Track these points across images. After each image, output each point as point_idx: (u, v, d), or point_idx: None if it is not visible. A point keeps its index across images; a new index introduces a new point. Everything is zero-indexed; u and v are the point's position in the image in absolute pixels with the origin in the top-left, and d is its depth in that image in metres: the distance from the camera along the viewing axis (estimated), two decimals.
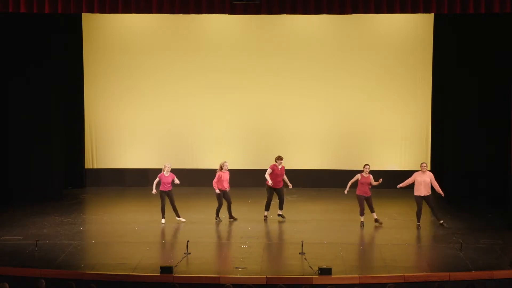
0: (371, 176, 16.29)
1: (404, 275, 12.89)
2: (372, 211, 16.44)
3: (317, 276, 12.82)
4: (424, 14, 18.42)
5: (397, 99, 20.20)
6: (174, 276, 12.78)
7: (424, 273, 13.12)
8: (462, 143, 19.11)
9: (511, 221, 16.27)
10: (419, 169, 16.33)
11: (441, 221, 16.36)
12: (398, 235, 15.72)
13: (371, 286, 12.73)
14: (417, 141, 20.29)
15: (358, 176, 16.28)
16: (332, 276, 12.76)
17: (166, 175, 16.32)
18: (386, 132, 20.28)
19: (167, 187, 16.35)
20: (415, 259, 14.05)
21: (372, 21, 19.60)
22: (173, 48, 20.22)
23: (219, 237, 15.59)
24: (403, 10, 15.40)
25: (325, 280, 12.63)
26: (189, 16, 17.77)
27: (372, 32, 20.00)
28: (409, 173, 20.02)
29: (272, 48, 20.16)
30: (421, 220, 16.49)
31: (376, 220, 16.44)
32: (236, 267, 13.47)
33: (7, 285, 10.24)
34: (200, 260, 14.17)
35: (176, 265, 13.28)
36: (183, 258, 13.91)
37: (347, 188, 16.36)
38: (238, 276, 12.93)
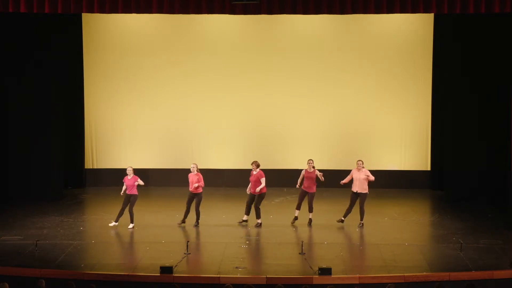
0: (316, 171, 16.25)
1: (404, 275, 12.90)
2: (309, 210, 16.42)
3: (317, 276, 12.82)
4: (424, 14, 18.41)
5: (397, 99, 20.20)
6: (174, 276, 12.79)
7: (424, 273, 13.13)
8: (462, 143, 19.11)
9: (511, 221, 16.27)
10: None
11: (361, 222, 16.30)
12: (398, 235, 15.72)
13: (371, 286, 12.74)
14: (417, 141, 20.29)
15: (303, 171, 16.33)
16: (332, 276, 12.77)
17: (129, 177, 16.13)
18: (386, 132, 20.28)
19: (129, 190, 16.10)
20: (415, 259, 14.05)
21: (372, 21, 19.59)
22: (173, 48, 20.22)
23: (219, 237, 15.58)
24: (403, 10, 15.42)
25: (325, 280, 12.64)
26: (189, 16, 17.80)
27: (372, 32, 19.99)
28: (409, 173, 20.23)
29: (272, 48, 20.15)
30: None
31: (295, 219, 16.42)
32: (236, 267, 13.48)
33: (7, 285, 10.24)
34: (200, 260, 14.19)
35: (176, 265, 13.28)
36: (183, 258, 13.91)
37: (298, 184, 16.46)
38: (238, 276, 12.94)
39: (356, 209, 16.30)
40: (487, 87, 18.73)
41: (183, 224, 16.36)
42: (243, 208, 16.55)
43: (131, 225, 16.19)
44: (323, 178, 16.23)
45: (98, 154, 20.56)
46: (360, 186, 16.21)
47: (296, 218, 16.47)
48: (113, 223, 16.21)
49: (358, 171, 16.26)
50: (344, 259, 14.08)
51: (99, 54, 20.22)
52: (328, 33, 20.10)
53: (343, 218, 16.40)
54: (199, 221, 16.39)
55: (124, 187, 16.18)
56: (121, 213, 16.16)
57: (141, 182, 16.17)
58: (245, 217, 16.50)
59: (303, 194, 16.35)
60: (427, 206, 19.12)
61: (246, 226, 16.34)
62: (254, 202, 16.32)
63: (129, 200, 16.11)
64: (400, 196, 19.60)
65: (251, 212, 16.48)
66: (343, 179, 16.57)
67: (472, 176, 19.01)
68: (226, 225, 16.56)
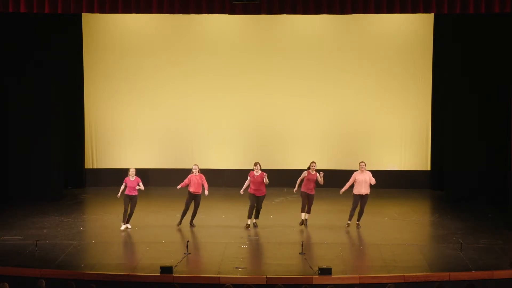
0: (317, 174, 16.19)
1: (404, 275, 12.90)
2: (307, 211, 16.35)
3: (317, 276, 12.82)
4: (424, 14, 18.41)
5: (397, 99, 20.20)
6: (174, 276, 12.79)
7: (424, 273, 13.13)
8: (462, 143, 19.11)
9: (511, 221, 16.27)
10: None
11: (358, 223, 16.24)
12: (398, 235, 15.72)
13: (371, 286, 12.74)
14: (417, 141, 20.29)
15: (305, 173, 16.22)
16: (332, 276, 12.77)
17: (132, 179, 16.13)
18: (386, 132, 20.28)
19: (130, 191, 16.10)
20: (415, 259, 14.05)
21: (372, 21, 19.59)
22: (173, 48, 20.23)
23: (219, 237, 15.58)
24: (403, 10, 15.41)
25: (325, 280, 12.64)
26: (189, 16, 17.79)
27: (372, 32, 20.00)
28: (409, 173, 20.23)
29: (272, 48, 20.15)
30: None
31: (302, 222, 16.34)
32: (236, 267, 13.48)
33: (7, 285, 10.24)
34: (200, 260, 14.18)
35: (176, 265, 13.28)
36: (183, 258, 13.91)
37: (296, 187, 16.31)
38: (238, 276, 12.94)
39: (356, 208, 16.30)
40: (487, 87, 18.73)
41: (179, 226, 16.30)
42: (243, 208, 16.55)
43: (129, 225, 16.20)
44: (322, 182, 16.19)
45: (98, 154, 20.56)
46: (365, 187, 16.11)
47: (302, 221, 16.37)
48: (123, 226, 16.16)
49: (362, 172, 16.14)
50: (344, 259, 14.08)
51: (99, 54, 20.22)
52: (328, 33, 20.10)
53: (349, 222, 16.29)
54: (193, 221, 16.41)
55: (122, 188, 16.16)
56: (126, 214, 16.15)
57: (142, 187, 16.17)
58: (254, 220, 16.44)
59: (305, 196, 16.29)
60: (427, 206, 19.12)
61: (245, 226, 16.31)
62: (257, 203, 16.27)
63: (130, 200, 16.10)
64: (400, 196, 19.59)
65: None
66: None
67: (472, 176, 19.01)
68: (226, 225, 16.56)
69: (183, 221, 16.33)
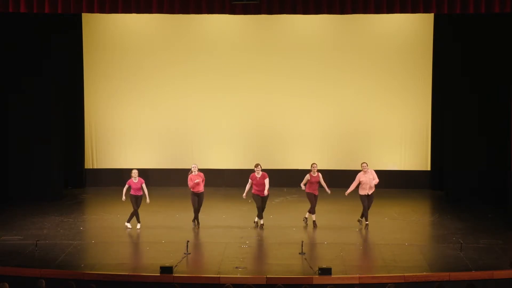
0: (319, 174, 16.21)
1: (404, 275, 12.91)
2: (313, 212, 16.37)
3: (317, 276, 12.83)
4: (424, 14, 18.40)
5: (397, 99, 20.19)
6: (174, 276, 12.79)
7: (424, 273, 13.13)
8: (462, 143, 19.11)
9: (511, 221, 16.28)
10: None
11: (360, 219, 16.31)
12: (398, 235, 15.73)
13: (371, 286, 12.75)
14: (417, 141, 20.28)
15: (307, 176, 16.21)
16: (332, 276, 12.78)
17: (135, 181, 16.16)
18: (386, 132, 20.27)
19: (136, 192, 16.16)
20: (415, 259, 14.05)
21: (372, 21, 19.58)
22: (173, 48, 20.22)
23: (219, 237, 15.58)
24: (403, 10, 15.41)
25: (325, 280, 12.64)
26: (189, 16, 17.79)
27: (372, 32, 19.99)
28: (409, 173, 20.22)
29: (272, 48, 20.14)
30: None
31: (310, 221, 16.36)
32: (236, 267, 13.48)
33: (7, 285, 10.24)
34: (200, 260, 14.18)
35: (176, 265, 13.29)
36: (183, 258, 13.92)
37: (302, 186, 16.30)
38: (238, 276, 12.95)
39: (360, 207, 16.26)
40: (487, 87, 18.73)
41: (198, 226, 16.31)
42: (243, 208, 16.53)
43: (129, 225, 16.20)
44: (324, 184, 16.23)
45: (98, 154, 20.56)
46: (370, 187, 16.14)
47: (313, 222, 16.37)
48: (138, 225, 16.17)
49: (365, 173, 16.14)
50: (344, 259, 14.08)
51: (99, 54, 20.22)
52: (328, 33, 20.10)
53: (367, 222, 16.24)
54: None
55: (124, 191, 16.19)
56: (137, 213, 16.18)
57: (145, 190, 16.20)
58: (256, 219, 16.45)
59: (313, 197, 16.29)
60: (427, 206, 19.12)
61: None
62: (262, 203, 16.26)
63: (136, 200, 16.13)
64: (400, 196, 19.59)
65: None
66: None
67: (472, 176, 19.00)
68: (226, 225, 16.56)
69: (197, 220, 16.37)
